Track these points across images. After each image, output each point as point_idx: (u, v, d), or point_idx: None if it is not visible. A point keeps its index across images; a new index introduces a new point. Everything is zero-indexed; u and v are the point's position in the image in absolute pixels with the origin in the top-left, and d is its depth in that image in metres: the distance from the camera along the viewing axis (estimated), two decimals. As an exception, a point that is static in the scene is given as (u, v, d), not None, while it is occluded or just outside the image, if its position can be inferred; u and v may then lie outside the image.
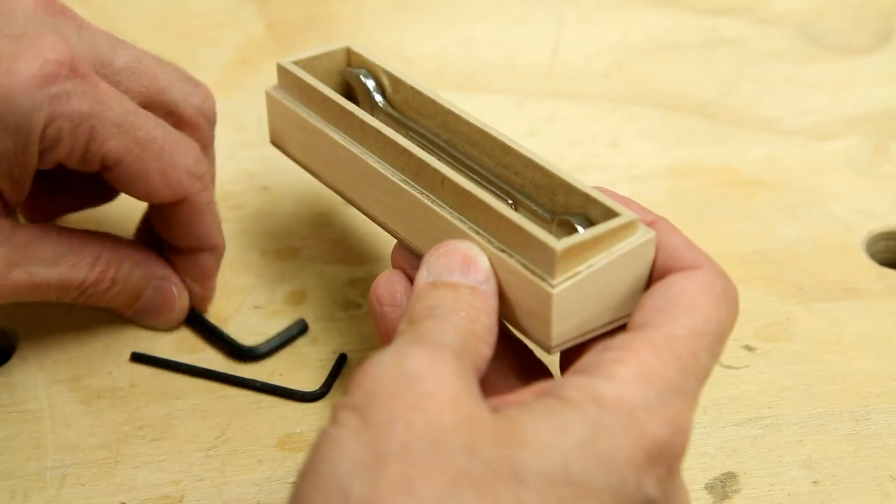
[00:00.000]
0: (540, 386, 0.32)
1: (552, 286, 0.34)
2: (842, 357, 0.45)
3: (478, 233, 0.36)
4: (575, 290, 0.34)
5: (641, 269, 0.36)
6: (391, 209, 0.40)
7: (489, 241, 0.36)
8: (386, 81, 0.44)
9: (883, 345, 0.46)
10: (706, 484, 0.41)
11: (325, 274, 0.49)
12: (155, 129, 0.41)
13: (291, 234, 0.51)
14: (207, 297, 0.47)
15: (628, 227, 0.35)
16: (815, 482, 0.41)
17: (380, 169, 0.40)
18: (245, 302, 0.48)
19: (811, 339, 0.46)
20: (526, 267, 0.35)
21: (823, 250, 0.50)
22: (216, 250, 0.46)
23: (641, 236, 0.36)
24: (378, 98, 0.44)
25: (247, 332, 0.47)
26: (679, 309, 0.33)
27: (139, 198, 0.43)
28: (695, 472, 0.41)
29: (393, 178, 0.39)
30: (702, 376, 0.33)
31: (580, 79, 0.60)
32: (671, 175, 0.54)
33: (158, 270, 0.45)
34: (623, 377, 0.31)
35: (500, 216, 0.36)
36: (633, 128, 0.57)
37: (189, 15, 0.66)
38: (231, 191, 0.53)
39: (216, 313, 0.47)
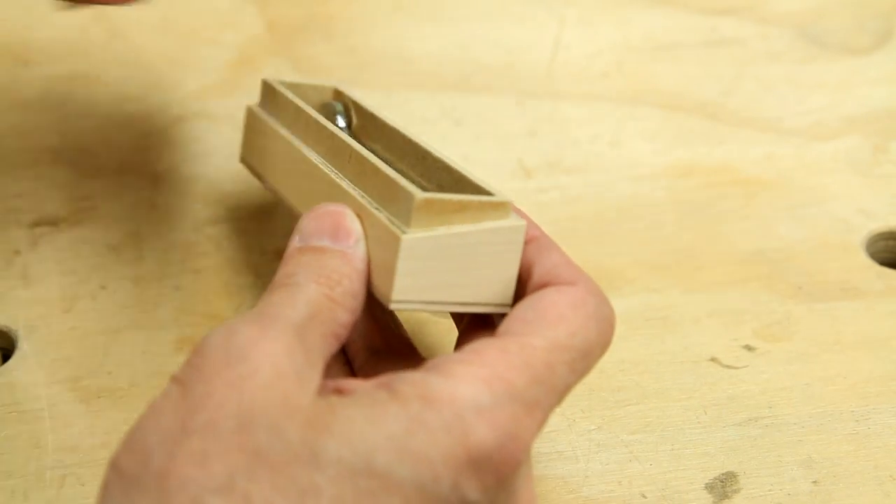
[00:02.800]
0: (384, 378, 0.32)
1: (403, 232, 0.34)
2: (842, 357, 0.45)
3: (362, 196, 0.37)
4: (427, 246, 0.34)
5: (507, 255, 0.36)
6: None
7: (368, 202, 0.36)
8: (354, 115, 0.45)
9: (883, 345, 0.46)
10: (706, 484, 0.41)
11: (325, 274, 0.49)
12: None
13: (291, 233, 0.51)
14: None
15: (498, 207, 0.36)
16: (815, 482, 0.41)
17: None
18: (245, 302, 0.48)
19: (811, 339, 0.46)
20: (389, 220, 0.35)
21: (823, 250, 0.50)
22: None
23: (511, 221, 0.36)
24: (340, 123, 0.45)
25: (247, 332, 0.46)
26: (545, 321, 0.33)
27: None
28: (695, 472, 0.41)
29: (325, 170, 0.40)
30: (557, 390, 0.32)
31: (580, 79, 0.60)
32: (671, 175, 0.54)
33: None
34: (460, 376, 0.31)
35: (376, 170, 0.36)
36: (633, 128, 0.57)
37: (189, 15, 0.66)
38: (231, 191, 0.53)
39: (215, 313, 0.47)
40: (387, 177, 0.36)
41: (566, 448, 0.42)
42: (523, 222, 0.36)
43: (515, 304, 0.35)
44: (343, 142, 0.39)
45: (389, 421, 0.29)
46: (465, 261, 0.35)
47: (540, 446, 0.42)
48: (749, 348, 0.46)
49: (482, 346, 0.32)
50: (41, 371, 0.45)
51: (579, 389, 0.41)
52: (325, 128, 0.41)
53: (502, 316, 0.36)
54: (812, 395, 0.44)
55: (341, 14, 0.64)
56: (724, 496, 0.40)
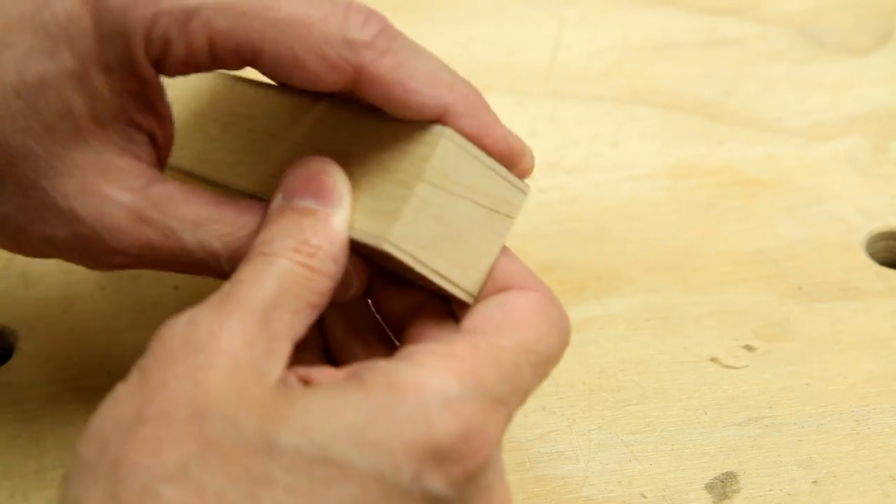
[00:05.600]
0: (354, 367, 0.32)
1: (419, 180, 0.33)
2: (842, 357, 0.45)
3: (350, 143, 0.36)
4: (437, 199, 0.34)
5: (494, 240, 0.35)
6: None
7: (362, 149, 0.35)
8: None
9: (883, 345, 0.46)
10: (706, 484, 0.41)
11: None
12: (291, 2, 0.34)
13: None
14: (508, 153, 0.36)
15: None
16: (815, 482, 0.41)
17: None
18: (245, 302, 0.48)
19: (811, 339, 0.46)
20: (395, 167, 0.34)
21: (823, 250, 0.50)
22: (457, 108, 0.35)
23: (514, 208, 0.36)
24: None
25: (247, 332, 0.46)
26: (511, 323, 0.33)
27: (305, 86, 0.35)
28: (695, 472, 0.41)
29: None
30: (522, 391, 0.32)
31: (580, 79, 0.60)
32: (671, 175, 0.54)
33: None
34: (430, 366, 0.30)
35: (373, 119, 0.35)
36: (633, 128, 0.57)
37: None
38: (231, 191, 0.53)
39: (216, 313, 0.47)
40: (401, 122, 0.34)
41: (566, 448, 0.42)
42: (516, 215, 0.36)
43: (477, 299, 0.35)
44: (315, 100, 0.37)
45: (350, 409, 0.29)
46: (461, 230, 0.35)
47: (540, 446, 0.42)
48: (749, 348, 0.46)
49: (453, 339, 0.32)
50: (41, 371, 0.45)
51: (579, 389, 0.42)
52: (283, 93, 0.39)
53: (460, 306, 0.35)
54: (812, 395, 0.44)
55: (341, 14, 0.64)
56: (724, 496, 0.40)
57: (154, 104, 0.35)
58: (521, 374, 0.32)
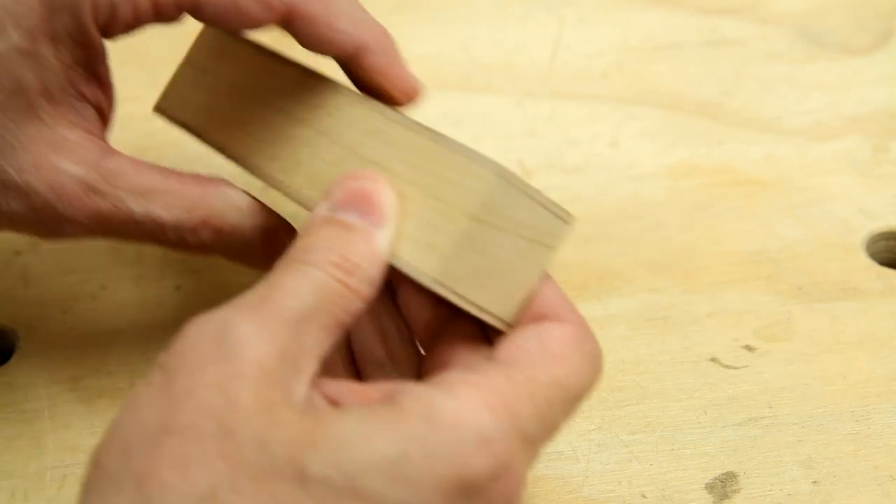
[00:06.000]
0: (391, 386, 0.31)
1: (469, 218, 0.33)
2: (842, 357, 0.45)
3: (405, 165, 0.35)
4: (484, 235, 0.33)
5: (532, 270, 0.35)
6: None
7: (410, 172, 0.34)
8: None
9: (883, 345, 0.46)
10: (706, 484, 0.41)
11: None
12: None
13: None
14: (409, 90, 0.39)
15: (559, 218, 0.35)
16: (815, 482, 0.41)
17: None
18: (245, 302, 0.48)
19: (811, 339, 0.46)
20: (445, 200, 0.33)
21: (823, 250, 0.50)
22: (372, 46, 0.38)
23: (556, 239, 0.35)
24: None
25: (247, 332, 0.46)
26: (548, 356, 0.32)
27: (241, 27, 0.37)
28: (695, 472, 0.41)
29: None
30: (552, 428, 0.32)
31: (580, 79, 0.60)
32: (671, 175, 0.54)
33: (270, 219, 0.40)
34: (468, 398, 0.30)
35: (431, 140, 0.34)
36: (633, 128, 0.57)
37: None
38: (231, 191, 0.53)
39: (216, 313, 0.47)
40: (450, 151, 0.33)
41: (566, 448, 0.42)
42: (558, 245, 0.35)
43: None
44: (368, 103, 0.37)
45: (384, 439, 0.28)
46: (502, 262, 0.34)
47: (540, 446, 0.42)
48: (749, 348, 0.46)
49: (490, 370, 0.31)
50: (41, 371, 0.45)
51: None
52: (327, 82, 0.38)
53: (495, 330, 0.35)
54: (812, 395, 0.44)
55: (341, 14, 0.64)
56: (724, 496, 0.40)
57: (98, 70, 0.37)
58: (553, 411, 0.32)
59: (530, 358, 0.32)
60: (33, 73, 0.35)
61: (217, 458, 0.27)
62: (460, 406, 0.29)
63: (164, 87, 0.44)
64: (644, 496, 0.40)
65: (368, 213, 0.33)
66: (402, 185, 0.34)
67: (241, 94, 0.41)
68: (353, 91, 0.38)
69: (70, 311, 0.47)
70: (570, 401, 0.32)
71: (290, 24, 0.36)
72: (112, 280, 0.49)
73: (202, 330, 0.30)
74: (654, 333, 0.47)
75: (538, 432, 0.31)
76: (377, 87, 0.39)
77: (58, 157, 0.36)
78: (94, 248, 0.50)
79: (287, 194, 0.38)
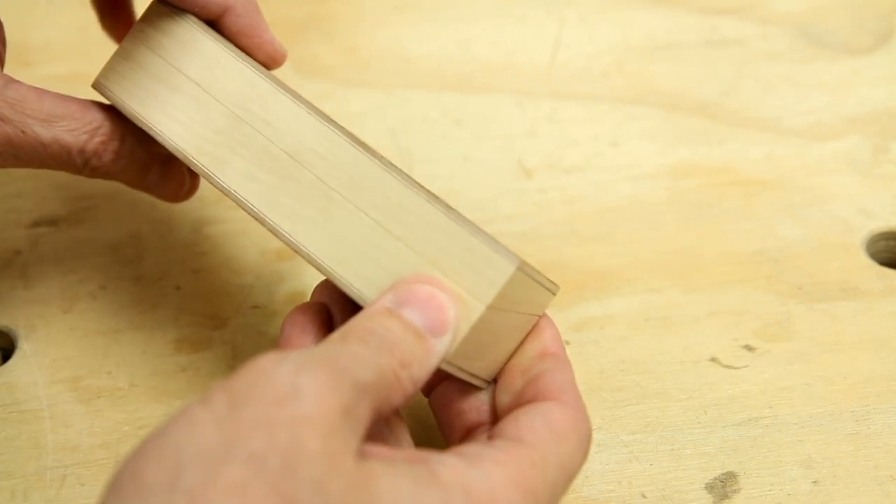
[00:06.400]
0: (416, 453, 0.32)
1: (484, 304, 0.34)
2: (842, 357, 0.45)
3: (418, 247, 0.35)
4: (496, 319, 0.35)
5: (517, 337, 0.37)
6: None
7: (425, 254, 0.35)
8: None
9: (883, 345, 0.46)
10: (706, 484, 0.41)
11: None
12: None
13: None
14: (273, 54, 0.42)
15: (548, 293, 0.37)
16: (815, 482, 0.41)
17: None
18: (244, 302, 0.48)
19: (811, 339, 0.46)
20: (464, 286, 0.34)
21: (823, 250, 0.50)
22: (235, 8, 0.41)
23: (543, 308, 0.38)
24: None
25: (245, 333, 0.47)
26: (554, 437, 0.33)
27: None
28: (695, 472, 0.41)
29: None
30: None
31: (580, 79, 0.60)
32: (671, 175, 0.54)
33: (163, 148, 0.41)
34: (498, 478, 0.31)
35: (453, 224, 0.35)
36: (633, 128, 0.57)
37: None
38: (231, 191, 0.53)
39: (214, 313, 0.48)
40: (471, 235, 0.34)
41: (566, 448, 0.42)
42: (542, 312, 0.38)
43: (505, 391, 0.37)
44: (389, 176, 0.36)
45: (432, 502, 0.29)
46: (500, 336, 0.36)
47: (540, 446, 0.42)
48: (749, 348, 0.46)
49: (512, 450, 0.32)
50: (41, 371, 0.45)
51: (579, 389, 0.41)
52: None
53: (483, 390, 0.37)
54: (812, 395, 0.44)
55: (341, 14, 0.64)
56: (724, 496, 0.40)
57: None
58: (556, 491, 0.33)
59: (538, 436, 0.33)
60: None
61: (274, 495, 0.27)
62: (492, 482, 0.31)
63: (106, 61, 0.42)
64: (644, 496, 0.40)
65: (431, 319, 0.34)
66: (425, 266, 0.35)
67: (235, 119, 0.39)
68: (349, 136, 0.37)
69: (70, 311, 0.47)
70: (567, 481, 0.34)
71: None
72: (112, 280, 0.49)
73: (277, 367, 0.30)
74: (654, 333, 0.47)
75: None
76: (244, 49, 0.41)
77: None
78: (94, 248, 0.50)
79: (259, 221, 0.38)
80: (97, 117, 0.41)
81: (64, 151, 0.40)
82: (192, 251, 0.50)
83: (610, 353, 0.46)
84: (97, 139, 0.41)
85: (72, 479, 0.41)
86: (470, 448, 0.33)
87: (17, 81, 0.40)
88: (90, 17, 0.47)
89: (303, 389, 0.29)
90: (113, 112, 0.41)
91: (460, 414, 0.38)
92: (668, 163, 0.55)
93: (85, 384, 0.45)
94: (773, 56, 0.61)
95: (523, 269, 0.34)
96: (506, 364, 0.38)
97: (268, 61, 0.41)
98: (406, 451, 0.32)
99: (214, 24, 0.41)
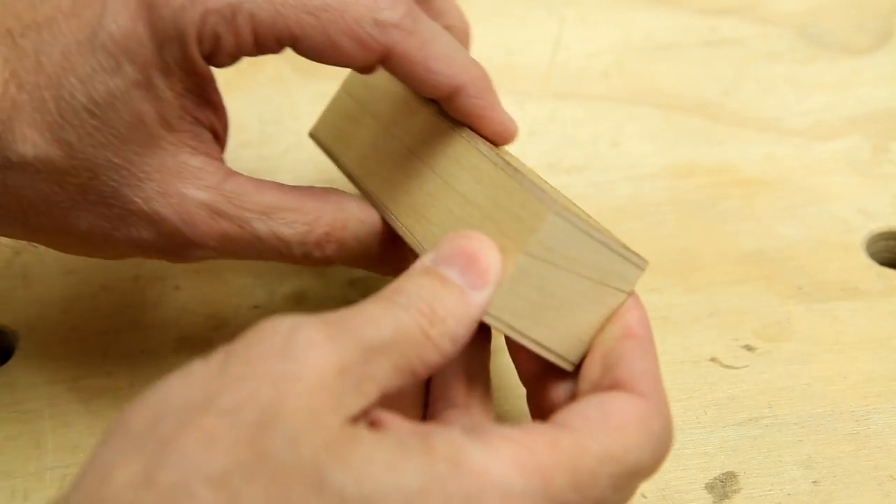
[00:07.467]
0: (425, 426, 0.31)
1: (521, 251, 0.33)
2: (842, 357, 0.45)
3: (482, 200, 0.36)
4: (539, 271, 0.33)
5: (599, 312, 0.35)
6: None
7: (483, 205, 0.35)
8: None
9: (883, 345, 0.46)
10: (706, 484, 0.41)
11: (325, 274, 0.49)
12: None
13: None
14: (504, 133, 0.40)
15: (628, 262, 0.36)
16: (815, 482, 0.41)
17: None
18: (244, 302, 0.48)
19: (811, 339, 0.46)
20: (503, 231, 0.34)
21: (823, 250, 0.50)
22: (468, 88, 0.38)
23: (626, 283, 0.36)
24: None
25: (247, 332, 0.47)
26: (605, 426, 0.31)
27: (340, 65, 0.38)
28: (695, 472, 0.41)
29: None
30: (592, 502, 0.31)
31: (580, 79, 0.60)
32: (671, 175, 0.54)
33: (387, 224, 0.40)
34: (500, 451, 0.29)
35: (512, 176, 0.35)
36: (633, 128, 0.57)
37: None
38: (231, 191, 0.53)
39: (214, 313, 0.48)
40: (521, 188, 0.34)
41: (566, 448, 0.42)
42: (629, 296, 0.36)
43: (585, 378, 0.35)
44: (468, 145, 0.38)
45: (408, 472, 0.28)
46: (563, 300, 0.34)
47: (540, 446, 0.42)
48: (749, 348, 0.46)
49: (535, 430, 0.31)
50: (41, 371, 0.45)
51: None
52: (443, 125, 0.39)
53: (575, 374, 0.35)
54: (812, 395, 0.44)
55: (341, 14, 0.64)
56: (724, 496, 0.40)
57: (210, 97, 0.38)
58: (596, 484, 0.30)
59: (585, 423, 0.31)
60: (150, 104, 0.36)
61: (244, 445, 0.27)
62: (489, 457, 0.29)
63: (321, 113, 0.46)
64: (644, 496, 0.40)
65: (469, 272, 0.33)
66: (482, 220, 0.35)
67: (382, 130, 0.42)
68: (457, 125, 0.39)
69: (70, 311, 0.47)
70: (620, 476, 0.31)
71: (387, 63, 0.37)
72: (112, 280, 0.49)
73: (274, 327, 0.30)
74: (654, 333, 0.46)
75: (573, 500, 0.30)
76: (472, 127, 0.39)
77: (182, 184, 0.37)
78: (94, 248, 0.50)
79: (401, 233, 0.39)
80: (315, 208, 0.39)
81: (282, 244, 0.39)
82: (192, 251, 0.50)
83: (610, 353, 0.46)
84: (317, 230, 0.39)
85: (72, 478, 0.41)
86: (490, 427, 0.31)
87: (237, 174, 0.39)
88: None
89: (295, 347, 0.29)
90: (333, 203, 0.40)
91: (551, 408, 0.36)
92: (668, 163, 0.55)
93: (85, 384, 0.45)
94: (773, 56, 0.61)
95: (565, 216, 0.33)
96: (589, 347, 0.35)
97: (495, 138, 0.39)
98: (419, 425, 0.31)
99: (443, 103, 0.39)
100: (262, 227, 0.38)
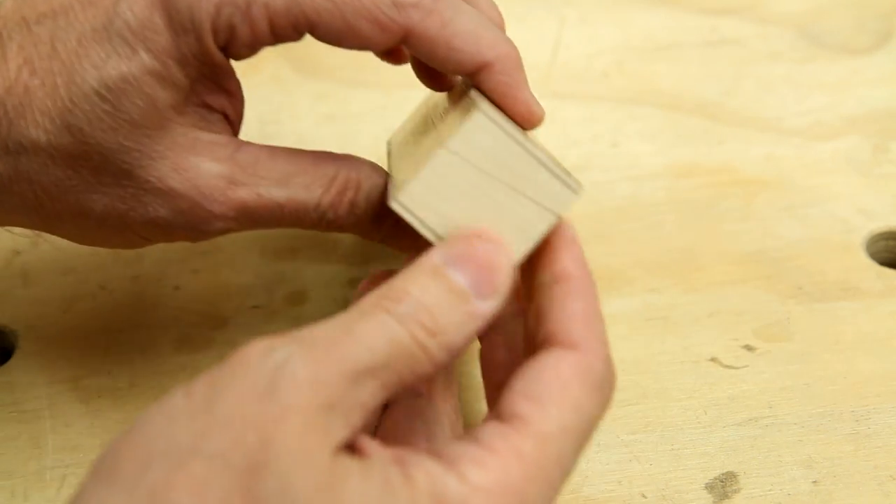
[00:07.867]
0: (400, 452, 0.31)
1: (441, 145, 0.33)
2: (842, 357, 0.45)
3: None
4: (458, 167, 0.33)
5: (520, 234, 0.34)
6: None
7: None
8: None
9: (883, 345, 0.46)
10: (706, 484, 0.41)
11: (325, 274, 0.49)
12: None
13: (291, 234, 0.51)
14: (527, 115, 0.38)
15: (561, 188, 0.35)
16: (815, 482, 0.41)
17: None
18: (244, 302, 0.48)
19: (811, 339, 0.46)
20: (439, 135, 0.35)
21: (823, 250, 0.50)
22: (493, 65, 0.37)
23: (553, 207, 0.34)
24: None
25: (245, 333, 0.46)
26: (549, 397, 0.31)
27: (359, 48, 0.38)
28: (695, 472, 0.41)
29: None
30: (565, 474, 0.31)
31: (580, 79, 0.60)
32: (671, 175, 0.54)
33: None
34: (477, 485, 0.29)
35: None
36: (633, 128, 0.57)
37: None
38: (231, 191, 0.53)
39: (214, 313, 0.48)
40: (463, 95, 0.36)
41: (566, 448, 0.42)
42: (561, 211, 0.34)
43: (526, 330, 0.34)
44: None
45: None
46: (487, 209, 0.34)
47: (540, 446, 0.42)
48: (749, 348, 0.46)
49: (497, 442, 0.30)
50: (41, 371, 0.45)
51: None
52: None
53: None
54: (812, 395, 0.44)
55: (341, 14, 0.64)
56: (724, 496, 0.40)
57: (225, 85, 0.38)
58: (563, 463, 0.31)
59: (532, 404, 0.31)
60: (164, 91, 0.36)
61: (236, 493, 0.27)
62: (467, 492, 0.29)
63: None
64: (644, 496, 0.40)
65: (479, 279, 0.32)
66: (427, 130, 0.36)
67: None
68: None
69: (70, 311, 0.47)
70: (580, 438, 0.31)
71: (408, 43, 0.37)
72: (112, 280, 0.49)
73: (261, 360, 0.29)
74: (654, 333, 0.47)
75: (548, 494, 0.30)
76: (498, 107, 0.38)
77: (196, 158, 0.37)
78: (94, 248, 0.50)
79: None
80: (330, 169, 0.39)
81: (301, 208, 0.39)
82: (191, 251, 0.50)
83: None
84: (333, 191, 0.39)
85: (72, 479, 0.41)
86: (455, 449, 0.31)
87: (249, 143, 0.38)
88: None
89: (281, 384, 0.28)
90: (346, 163, 0.39)
91: (497, 368, 0.36)
92: (668, 163, 0.55)
93: (85, 384, 0.45)
94: (772, 56, 0.61)
95: (487, 113, 0.33)
96: (516, 287, 0.34)
97: (519, 120, 0.38)
98: (393, 451, 0.31)
99: (471, 80, 0.38)
100: (279, 192, 0.38)
